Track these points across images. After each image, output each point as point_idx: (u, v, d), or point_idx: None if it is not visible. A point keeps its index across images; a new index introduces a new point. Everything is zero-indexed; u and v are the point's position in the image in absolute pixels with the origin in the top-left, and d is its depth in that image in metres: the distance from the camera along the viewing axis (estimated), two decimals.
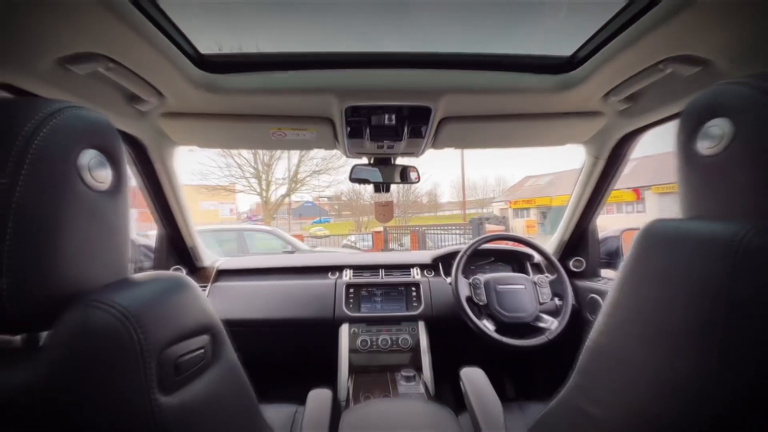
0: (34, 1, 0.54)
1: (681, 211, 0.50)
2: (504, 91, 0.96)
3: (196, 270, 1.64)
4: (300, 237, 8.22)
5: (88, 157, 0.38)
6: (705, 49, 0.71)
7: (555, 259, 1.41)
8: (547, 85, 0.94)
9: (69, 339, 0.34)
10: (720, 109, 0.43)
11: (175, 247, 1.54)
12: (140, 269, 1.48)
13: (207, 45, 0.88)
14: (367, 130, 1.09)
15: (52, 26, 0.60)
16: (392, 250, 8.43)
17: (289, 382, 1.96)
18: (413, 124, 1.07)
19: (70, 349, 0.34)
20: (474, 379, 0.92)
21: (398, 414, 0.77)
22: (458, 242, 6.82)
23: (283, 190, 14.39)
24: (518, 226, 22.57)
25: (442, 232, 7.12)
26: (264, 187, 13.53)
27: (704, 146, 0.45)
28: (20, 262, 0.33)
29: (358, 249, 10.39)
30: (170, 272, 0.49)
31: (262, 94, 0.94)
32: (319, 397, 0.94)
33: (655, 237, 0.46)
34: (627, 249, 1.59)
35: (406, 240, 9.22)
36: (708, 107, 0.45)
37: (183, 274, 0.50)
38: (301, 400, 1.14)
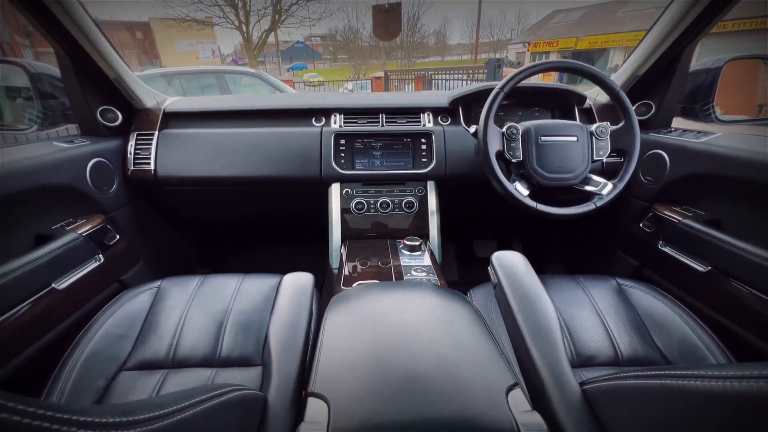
0: None
1: None
2: None
3: (135, 113, 1.24)
4: (290, 83, 7.30)
5: None
6: None
7: (628, 101, 0.99)
8: None
9: None
10: None
11: (96, 81, 1.10)
12: (53, 109, 1.09)
13: None
14: None
15: None
16: None
17: (280, 248, 1.84)
18: None
19: None
20: (511, 266, 0.67)
21: (401, 316, 0.53)
22: None
23: (266, 22, 12.21)
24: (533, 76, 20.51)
25: (452, 76, 6.19)
26: (243, 19, 11.35)
27: None
28: None
29: None
30: None
31: None
32: (293, 286, 0.71)
33: None
34: (725, 89, 1.16)
35: (410, 88, 8.27)
36: None
37: None
38: (291, 269, 0.94)
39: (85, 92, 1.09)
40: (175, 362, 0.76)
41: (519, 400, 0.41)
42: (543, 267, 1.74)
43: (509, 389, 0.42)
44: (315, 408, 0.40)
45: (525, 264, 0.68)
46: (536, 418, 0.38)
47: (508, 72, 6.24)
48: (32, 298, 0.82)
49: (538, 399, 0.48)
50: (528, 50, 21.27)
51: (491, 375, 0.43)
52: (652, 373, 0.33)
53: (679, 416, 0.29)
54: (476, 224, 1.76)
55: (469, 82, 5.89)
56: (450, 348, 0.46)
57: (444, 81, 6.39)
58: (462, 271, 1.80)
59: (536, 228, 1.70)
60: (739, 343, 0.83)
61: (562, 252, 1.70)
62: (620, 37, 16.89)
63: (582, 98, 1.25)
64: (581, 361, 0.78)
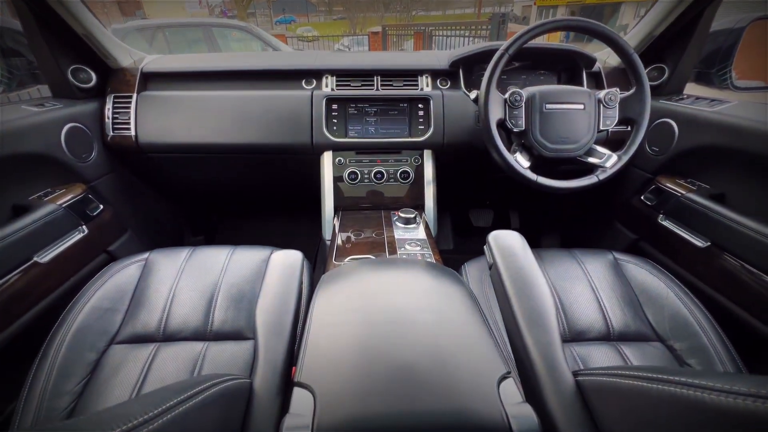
0: None
1: None
2: None
3: (111, 73, 1.15)
4: (282, 38, 6.88)
5: None
6: None
7: (641, 66, 0.92)
8: None
9: None
10: None
11: (64, 38, 1.01)
12: (20, 68, 1.00)
13: None
14: None
15: None
16: None
17: (272, 219, 1.80)
18: None
19: None
20: (509, 247, 0.64)
21: (392, 299, 0.51)
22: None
23: None
24: None
25: (454, 32, 5.84)
26: None
27: None
28: None
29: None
30: None
31: None
32: (282, 265, 0.68)
33: None
34: (745, 53, 1.09)
35: (409, 45, 7.83)
36: None
37: None
38: (284, 240, 0.91)
39: (53, 49, 0.99)
40: (166, 335, 0.76)
41: (511, 390, 0.39)
42: (540, 238, 1.73)
43: (501, 379, 0.40)
44: (301, 399, 0.38)
45: (523, 245, 0.65)
46: (527, 410, 0.37)
47: (513, 29, 5.91)
48: (14, 273, 0.80)
49: (531, 388, 0.47)
50: (535, 3, 20.02)
51: (483, 365, 0.41)
52: (655, 376, 0.32)
53: (681, 426, 0.28)
54: (473, 193, 1.73)
55: (471, 38, 5.57)
56: (441, 336, 0.44)
57: (445, 38, 6.05)
58: (457, 240, 1.78)
59: (534, 198, 1.67)
60: (732, 320, 0.83)
61: (560, 222, 1.69)
62: None
63: (591, 61, 1.17)
64: (573, 335, 0.78)
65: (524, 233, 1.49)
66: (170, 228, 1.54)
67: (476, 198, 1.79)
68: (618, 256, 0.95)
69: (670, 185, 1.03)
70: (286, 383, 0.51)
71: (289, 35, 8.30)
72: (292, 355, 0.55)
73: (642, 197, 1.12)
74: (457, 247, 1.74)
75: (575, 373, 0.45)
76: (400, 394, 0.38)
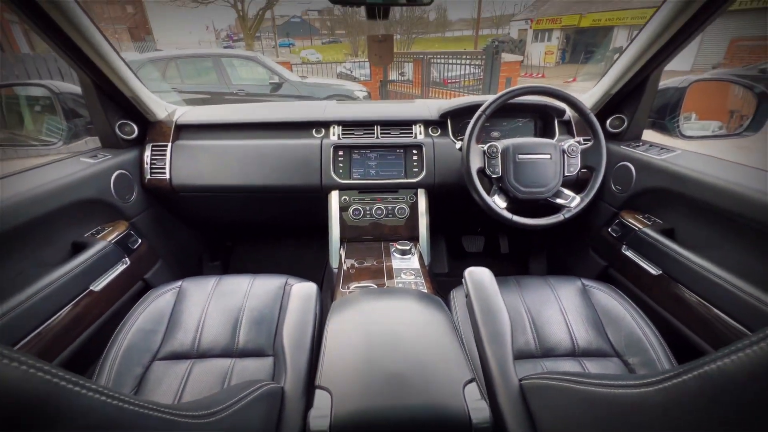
0: None
1: None
2: None
3: (149, 125, 1.34)
4: (287, 65, 7.23)
5: None
6: None
7: (596, 122, 1.10)
8: None
9: None
10: None
11: (114, 99, 1.20)
12: (76, 125, 1.19)
13: None
14: None
15: None
16: (392, 81, 7.59)
17: (284, 249, 1.97)
18: None
19: None
20: (479, 282, 0.81)
21: (389, 323, 0.67)
22: (466, 73, 6.03)
23: (263, 1, 11.91)
24: (535, 53, 20.09)
25: (451, 61, 6.17)
26: None
27: None
28: None
29: (355, 78, 9.38)
30: None
31: None
32: (301, 296, 0.85)
33: None
34: (691, 107, 1.27)
35: (409, 68, 8.20)
36: None
37: None
38: (295, 268, 1.07)
39: (105, 110, 1.19)
40: (199, 353, 0.91)
41: (473, 392, 0.55)
42: (528, 262, 1.88)
43: (466, 383, 0.56)
44: (321, 398, 0.54)
45: (491, 280, 0.81)
46: (483, 406, 0.53)
47: (506, 59, 6.23)
48: (76, 299, 0.96)
49: (489, 390, 0.63)
50: (531, 27, 20.76)
51: (453, 373, 0.57)
52: (573, 378, 0.47)
53: (586, 412, 0.43)
54: (465, 222, 1.90)
55: (466, 65, 5.88)
56: (423, 351, 0.60)
57: (443, 65, 6.36)
58: (452, 263, 1.94)
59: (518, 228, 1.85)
60: (681, 339, 0.97)
61: (545, 249, 1.85)
62: (625, 14, 16.46)
63: (561, 112, 1.36)
64: (543, 351, 0.93)
65: (513, 258, 1.66)
66: (193, 255, 1.71)
67: (468, 226, 1.96)
68: (586, 282, 1.10)
69: (630, 219, 1.19)
70: (309, 386, 0.66)
71: (294, 62, 8.68)
72: (311, 367, 0.71)
73: (609, 229, 1.28)
74: (451, 270, 1.90)
75: (521, 379, 0.61)
76: (393, 393, 0.53)
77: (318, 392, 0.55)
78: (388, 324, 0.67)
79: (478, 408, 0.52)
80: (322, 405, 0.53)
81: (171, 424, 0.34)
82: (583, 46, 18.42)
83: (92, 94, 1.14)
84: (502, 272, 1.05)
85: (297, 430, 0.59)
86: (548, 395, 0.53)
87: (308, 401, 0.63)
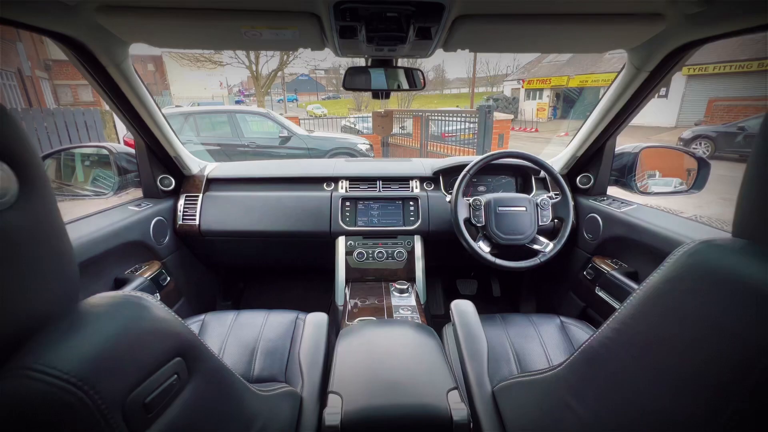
0: None
1: (735, 221, 0.41)
2: None
3: (184, 178, 1.57)
4: (295, 120, 7.81)
5: None
6: None
7: (562, 180, 1.33)
8: None
9: (1, 417, 0.30)
10: None
11: (157, 157, 1.44)
12: (125, 179, 1.41)
13: None
14: (363, 31, 0.87)
15: None
16: (393, 135, 8.12)
17: (293, 287, 2.13)
18: (420, 23, 0.85)
19: (4, 427, 0.30)
20: (463, 312, 0.97)
21: (388, 346, 0.82)
22: (462, 128, 6.51)
23: (274, 62, 13.04)
24: (528, 110, 21.40)
25: (447, 118, 6.71)
26: (253, 59, 12.21)
27: None
28: None
29: (358, 131, 10.02)
30: (127, 297, 0.42)
31: None
32: (315, 323, 1.00)
33: (699, 267, 0.39)
34: (643, 168, 1.50)
35: (409, 123, 8.81)
36: None
37: (140, 295, 0.43)
38: (304, 305, 1.22)
39: (152, 166, 1.42)
40: None
41: (455, 397, 0.69)
42: (518, 303, 2.02)
43: (449, 390, 0.70)
44: (334, 400, 0.68)
45: (473, 311, 0.97)
46: (463, 407, 0.67)
47: (499, 118, 6.77)
48: None
49: (468, 396, 0.76)
50: (522, 87, 22.33)
51: (439, 381, 0.72)
52: (528, 374, 0.62)
53: (531, 396, 0.58)
54: (459, 266, 2.06)
55: (461, 122, 6.40)
56: (415, 364, 0.75)
57: (440, 121, 6.88)
58: (447, 305, 2.07)
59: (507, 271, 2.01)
60: None
61: (533, 290, 1.99)
62: (609, 77, 17.82)
63: (537, 171, 1.59)
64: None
65: (505, 300, 1.81)
66: (209, 294, 1.86)
67: (462, 269, 2.12)
68: (564, 320, 1.24)
69: (601, 264, 1.36)
70: (323, 393, 0.79)
71: (302, 117, 9.35)
72: (324, 379, 0.84)
73: (585, 273, 1.45)
74: (446, 312, 2.02)
75: (494, 386, 0.75)
76: (391, 396, 0.68)
77: (331, 396, 0.69)
78: (386, 345, 0.83)
79: (458, 409, 0.66)
80: (334, 404, 0.67)
81: (246, 384, 0.51)
82: (572, 103, 19.72)
83: (144, 153, 1.38)
84: (492, 312, 1.21)
85: (313, 428, 0.72)
86: (513, 391, 0.67)
87: (322, 405, 0.76)
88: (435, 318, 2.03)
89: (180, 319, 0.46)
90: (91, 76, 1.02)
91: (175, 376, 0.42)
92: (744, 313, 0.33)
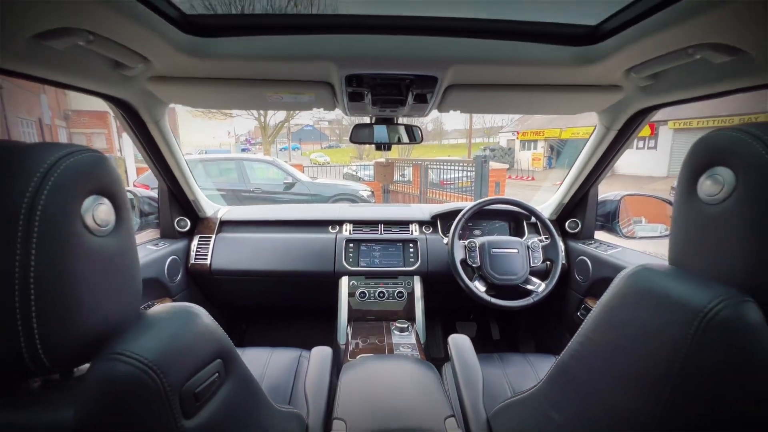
0: None
1: (669, 252, 0.51)
2: (518, 63, 0.88)
3: (199, 220, 1.68)
4: (300, 167, 8.16)
5: (89, 203, 0.38)
6: (741, 41, 0.64)
7: (550, 225, 1.43)
8: (565, 57, 0.86)
9: (98, 390, 0.38)
10: (725, 158, 0.41)
11: (177, 200, 1.56)
12: (145, 221, 1.52)
13: (195, 4, 0.79)
14: (369, 96, 1.04)
15: (19, 3, 0.54)
16: (394, 182, 8.43)
17: (296, 326, 2.17)
18: (418, 91, 1.01)
19: (100, 398, 0.38)
20: (460, 345, 1.02)
21: (389, 377, 0.87)
22: (460, 176, 6.79)
23: (282, 114, 13.86)
24: (523, 159, 22.19)
25: (445, 166, 7.04)
26: (262, 112, 13.01)
27: (704, 192, 0.44)
28: (47, 314, 0.36)
29: (360, 178, 10.38)
30: (181, 306, 0.51)
31: (255, 60, 0.87)
32: (320, 355, 1.05)
33: (636, 286, 0.48)
34: (625, 214, 1.61)
35: (409, 171, 9.17)
36: (715, 152, 0.43)
37: (191, 305, 0.53)
38: (306, 343, 1.27)
39: (172, 209, 1.54)
40: None
41: (452, 424, 0.74)
42: (517, 345, 2.03)
43: (447, 417, 0.75)
44: (338, 425, 0.73)
45: (469, 345, 1.03)
46: None
47: (494, 167, 7.10)
48: None
49: (464, 424, 0.80)
50: (517, 138, 23.37)
51: (438, 409, 0.76)
52: (513, 396, 0.68)
53: (519, 413, 0.63)
54: (458, 309, 2.11)
55: (459, 170, 6.70)
56: (415, 394, 0.80)
57: (439, 169, 7.19)
58: (447, 347, 2.08)
59: (509, 313, 2.05)
60: None
61: (531, 332, 2.02)
62: None
63: (528, 216, 1.70)
64: None
65: (504, 343, 1.85)
66: None
67: (462, 312, 2.16)
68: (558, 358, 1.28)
69: (592, 305, 1.42)
70: (327, 419, 0.83)
71: (306, 165, 9.76)
72: (329, 406, 0.89)
73: (578, 313, 1.50)
74: (446, 355, 2.03)
75: (489, 414, 0.79)
76: (392, 422, 0.72)
77: (335, 421, 0.74)
78: (388, 376, 0.88)
79: None
80: (339, 429, 0.71)
81: (267, 397, 0.59)
82: (566, 154, 20.52)
83: (166, 196, 1.50)
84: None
85: None
86: (507, 413, 0.72)
87: (327, 430, 0.80)
88: (434, 360, 2.02)
89: (220, 327, 0.54)
90: (132, 129, 1.18)
91: (216, 374, 0.49)
92: (668, 321, 0.42)
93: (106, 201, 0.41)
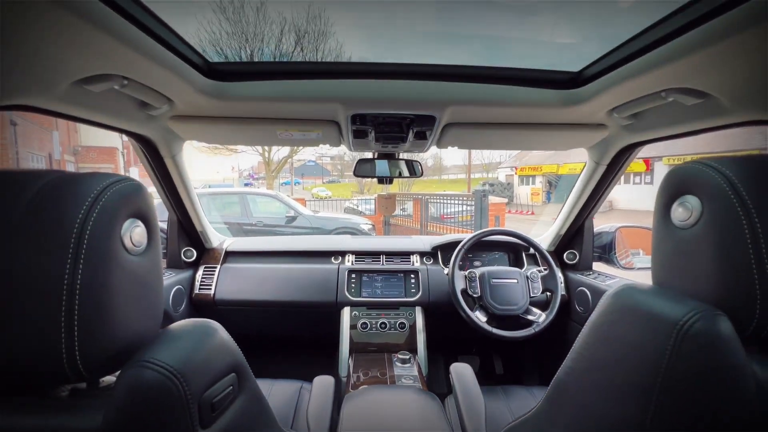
0: (46, 31, 0.56)
1: (652, 273, 0.55)
2: (508, 104, 0.97)
3: (205, 251, 1.72)
4: (302, 201, 8.28)
5: (127, 225, 0.43)
6: (708, 86, 0.72)
7: (548, 255, 1.47)
8: (553, 99, 0.95)
9: (127, 394, 0.41)
10: (692, 188, 0.47)
11: (185, 231, 1.61)
12: None
13: (217, 53, 0.89)
14: (372, 133, 1.12)
15: (64, 53, 0.62)
16: (395, 216, 8.52)
17: (297, 358, 2.14)
18: (418, 128, 1.09)
19: (129, 401, 0.41)
20: (461, 374, 1.03)
21: (392, 406, 0.87)
22: (460, 210, 6.88)
23: (285, 149, 14.26)
24: (522, 194, 22.49)
25: (445, 201, 7.17)
26: (266, 147, 13.41)
27: (677, 218, 0.49)
28: (87, 325, 0.39)
29: (361, 212, 10.49)
30: (201, 321, 0.55)
31: (269, 101, 0.96)
32: (323, 384, 1.05)
33: (620, 304, 0.52)
34: (622, 246, 1.65)
35: (409, 205, 9.31)
36: (684, 182, 0.48)
37: (210, 321, 0.56)
38: (307, 375, 1.26)
39: (180, 240, 1.58)
40: None
41: None
42: (521, 378, 1.99)
43: None
44: None
45: (471, 374, 1.03)
46: None
47: (493, 202, 7.22)
48: None
49: None
50: (516, 173, 23.83)
51: None
52: (514, 420, 0.68)
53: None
54: (461, 342, 2.09)
55: (458, 204, 6.81)
56: (417, 420, 0.80)
57: (439, 203, 7.30)
58: (449, 381, 2.04)
59: (512, 345, 2.02)
60: None
61: (536, 365, 1.98)
62: None
63: (527, 247, 1.74)
64: None
65: (507, 377, 1.83)
66: None
67: (463, 345, 2.13)
68: None
69: None
70: None
71: (308, 199, 9.93)
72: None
73: None
74: (449, 389, 1.99)
75: None
76: None
77: None
78: (390, 405, 0.88)
79: None
80: None
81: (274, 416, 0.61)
82: (564, 188, 20.86)
83: (175, 228, 1.55)
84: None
85: None
86: None
87: None
88: (437, 395, 1.97)
89: (236, 343, 0.57)
90: (149, 162, 1.25)
91: (231, 387, 0.51)
92: (650, 334, 0.45)
93: (140, 224, 0.46)
